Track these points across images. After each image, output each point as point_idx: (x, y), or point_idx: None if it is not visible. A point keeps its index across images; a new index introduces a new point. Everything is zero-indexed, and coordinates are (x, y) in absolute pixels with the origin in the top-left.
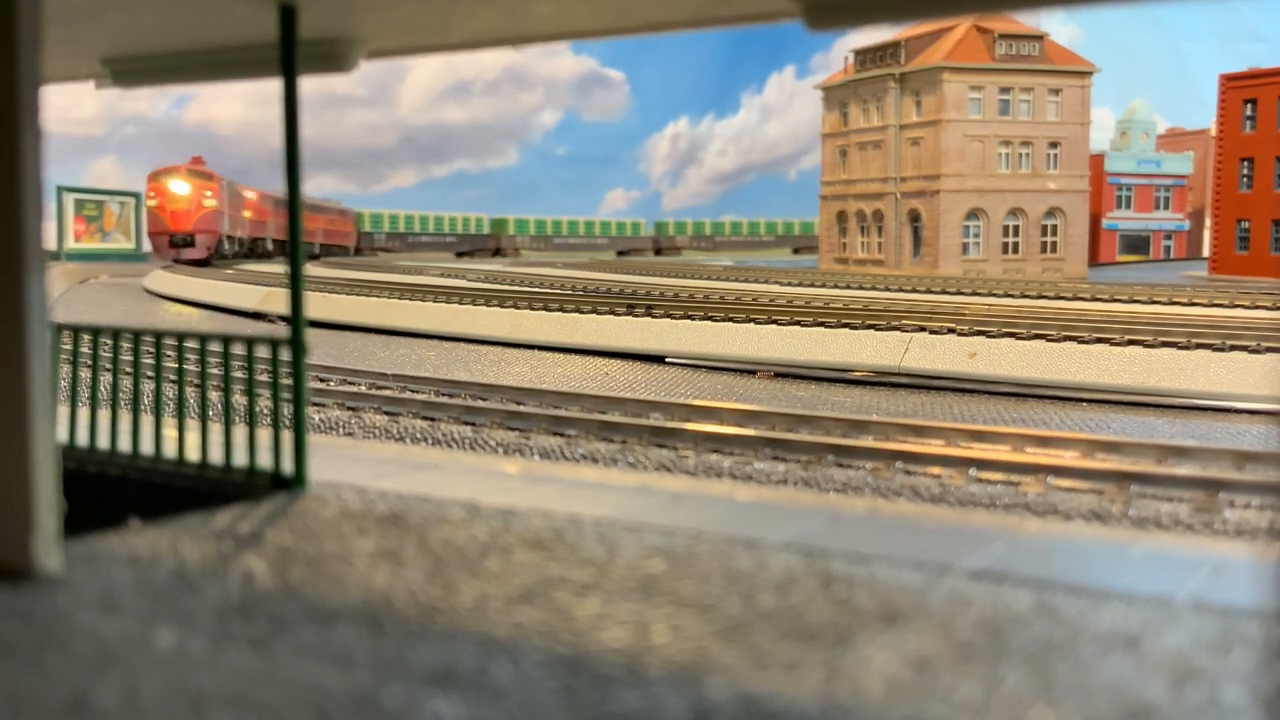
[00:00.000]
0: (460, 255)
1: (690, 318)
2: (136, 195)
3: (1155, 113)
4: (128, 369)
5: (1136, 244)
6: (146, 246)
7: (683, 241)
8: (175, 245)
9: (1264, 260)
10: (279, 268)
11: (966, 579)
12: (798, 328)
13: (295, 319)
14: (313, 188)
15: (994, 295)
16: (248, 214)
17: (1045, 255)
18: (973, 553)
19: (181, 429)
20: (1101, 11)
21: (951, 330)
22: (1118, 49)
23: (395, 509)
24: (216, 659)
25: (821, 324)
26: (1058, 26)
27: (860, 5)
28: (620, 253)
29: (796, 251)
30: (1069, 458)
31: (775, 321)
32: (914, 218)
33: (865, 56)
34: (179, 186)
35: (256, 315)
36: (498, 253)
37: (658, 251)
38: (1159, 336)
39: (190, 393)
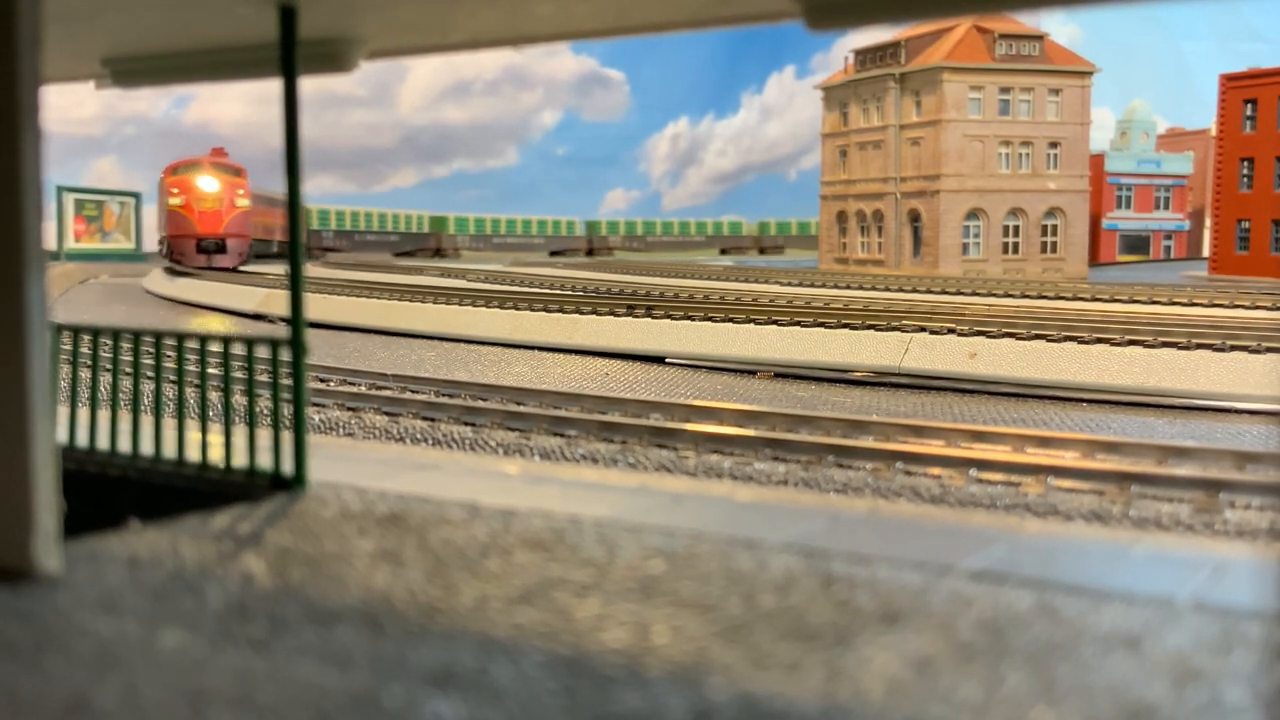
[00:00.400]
0: (399, 255)
1: (690, 318)
2: (137, 195)
3: (1155, 113)
4: (128, 369)
5: (1136, 244)
6: (148, 247)
7: (615, 242)
8: (204, 251)
9: (1264, 260)
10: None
11: (967, 579)
12: (798, 328)
13: (295, 319)
14: (312, 188)
15: (994, 295)
16: None
17: (1045, 255)
18: (973, 553)
19: (181, 429)
20: (1101, 11)
21: (951, 330)
22: (1118, 49)
23: (395, 509)
24: (216, 659)
25: (821, 324)
26: (1058, 26)
27: (860, 5)
28: (553, 253)
29: (724, 252)
30: (1069, 458)
31: (775, 322)
32: (914, 218)
33: (865, 56)
34: (208, 183)
35: (257, 317)
36: (438, 253)
37: (589, 252)
38: (1159, 336)
39: (190, 393)
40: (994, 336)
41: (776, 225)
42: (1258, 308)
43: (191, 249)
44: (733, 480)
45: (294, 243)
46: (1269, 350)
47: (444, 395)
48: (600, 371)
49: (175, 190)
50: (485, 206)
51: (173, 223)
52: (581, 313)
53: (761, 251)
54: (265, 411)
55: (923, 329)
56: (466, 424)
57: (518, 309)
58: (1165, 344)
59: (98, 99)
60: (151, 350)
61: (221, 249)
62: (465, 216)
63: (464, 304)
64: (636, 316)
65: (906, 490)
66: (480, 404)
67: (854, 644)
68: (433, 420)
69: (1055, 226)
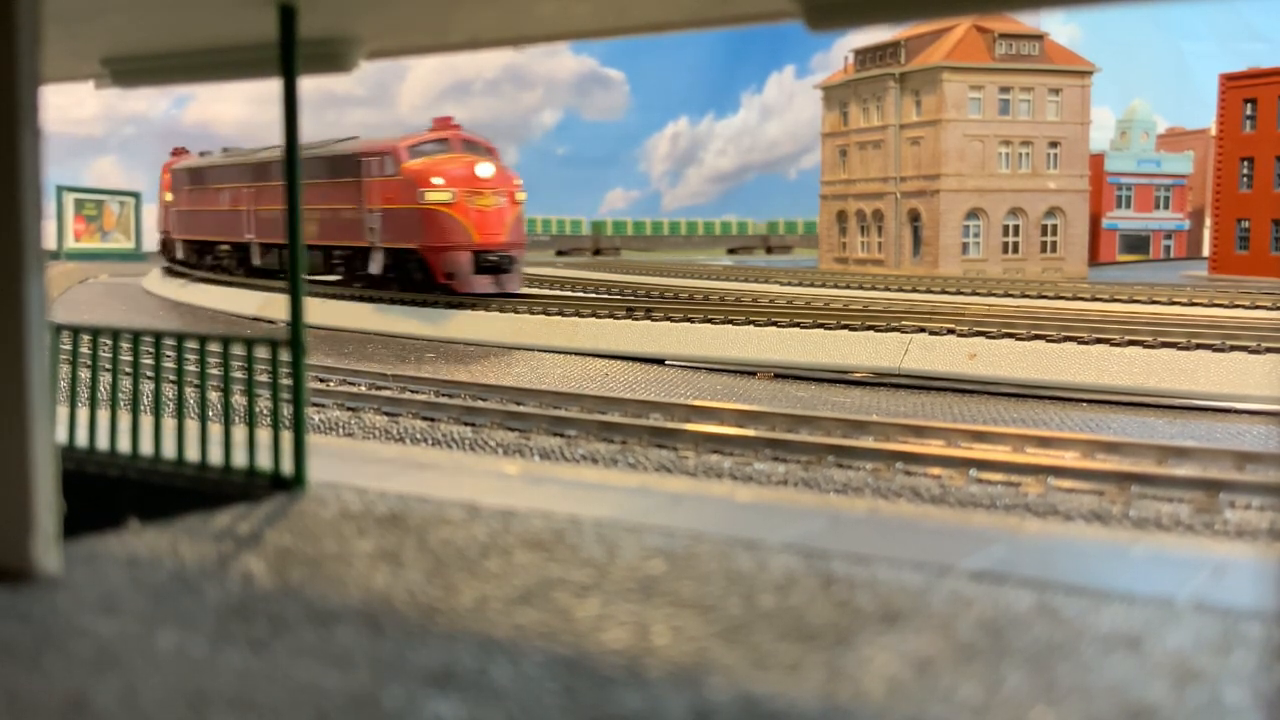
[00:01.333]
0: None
1: (690, 320)
2: (137, 195)
3: (1155, 113)
4: (127, 369)
5: (1136, 244)
6: (147, 246)
7: None
8: (488, 270)
9: (1264, 260)
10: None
11: (967, 580)
12: (797, 329)
13: (295, 320)
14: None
15: (994, 295)
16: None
17: (1045, 255)
18: (973, 553)
19: (181, 429)
20: (1101, 11)
21: (951, 331)
22: (1118, 49)
23: (395, 510)
24: (216, 660)
25: (821, 325)
26: (1058, 26)
27: (860, 5)
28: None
29: (560, 254)
30: (1069, 458)
31: (775, 323)
32: (914, 217)
33: (865, 56)
34: (486, 170)
35: (255, 320)
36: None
37: None
38: (1159, 337)
39: (190, 393)
40: (994, 337)
41: (613, 225)
42: (1258, 308)
43: (466, 267)
44: (733, 480)
45: (293, 243)
46: (1269, 350)
47: (444, 395)
48: (600, 372)
49: (439, 181)
50: None
51: (431, 228)
52: (581, 315)
53: (596, 253)
54: (265, 411)
55: (922, 329)
56: (466, 424)
57: (517, 313)
58: (1165, 344)
59: (98, 99)
60: (151, 350)
61: (507, 266)
62: None
63: (463, 308)
64: (636, 319)
65: (906, 490)
66: (480, 404)
67: (854, 644)
68: (432, 420)
69: (1055, 226)
